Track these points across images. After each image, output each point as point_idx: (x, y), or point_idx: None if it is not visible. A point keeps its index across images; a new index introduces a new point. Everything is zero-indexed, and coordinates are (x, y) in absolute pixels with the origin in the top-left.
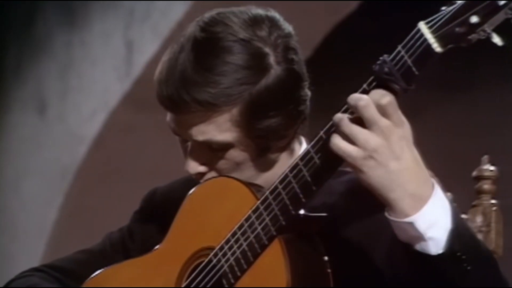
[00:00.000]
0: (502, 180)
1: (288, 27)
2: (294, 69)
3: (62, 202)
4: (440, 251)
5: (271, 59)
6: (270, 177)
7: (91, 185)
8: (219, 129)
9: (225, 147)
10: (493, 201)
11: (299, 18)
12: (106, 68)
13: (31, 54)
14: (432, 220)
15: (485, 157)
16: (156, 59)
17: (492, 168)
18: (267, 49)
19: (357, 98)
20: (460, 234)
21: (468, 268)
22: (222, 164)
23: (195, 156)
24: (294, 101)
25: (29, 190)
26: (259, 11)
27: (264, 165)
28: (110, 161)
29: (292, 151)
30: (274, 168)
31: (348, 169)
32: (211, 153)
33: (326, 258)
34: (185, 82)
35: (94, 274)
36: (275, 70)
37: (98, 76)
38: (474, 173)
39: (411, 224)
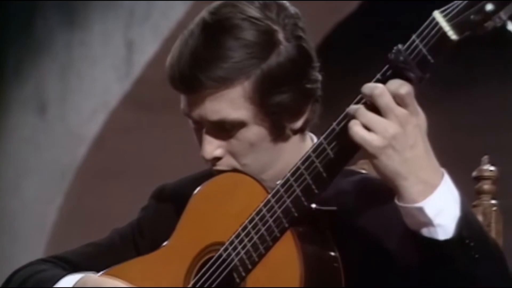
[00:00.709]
0: (502, 180)
1: (295, 10)
2: (303, 46)
3: (62, 202)
4: (449, 236)
5: (280, 36)
6: (283, 165)
7: (91, 185)
8: (232, 106)
9: (239, 125)
10: (493, 201)
11: None
12: (106, 68)
13: (31, 54)
14: (440, 206)
15: (485, 157)
16: (156, 59)
17: (492, 168)
18: (275, 27)
19: (372, 87)
20: (468, 222)
21: (476, 256)
22: (236, 145)
23: (210, 140)
24: (305, 78)
25: (29, 190)
26: None
27: (277, 148)
28: (110, 161)
29: (303, 142)
30: (286, 154)
31: (357, 169)
32: (225, 135)
33: (335, 253)
34: (196, 60)
35: (102, 272)
36: (285, 46)
37: (98, 76)
38: (474, 173)
39: (420, 209)
